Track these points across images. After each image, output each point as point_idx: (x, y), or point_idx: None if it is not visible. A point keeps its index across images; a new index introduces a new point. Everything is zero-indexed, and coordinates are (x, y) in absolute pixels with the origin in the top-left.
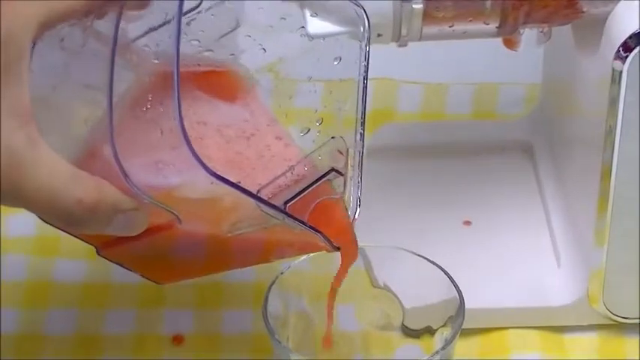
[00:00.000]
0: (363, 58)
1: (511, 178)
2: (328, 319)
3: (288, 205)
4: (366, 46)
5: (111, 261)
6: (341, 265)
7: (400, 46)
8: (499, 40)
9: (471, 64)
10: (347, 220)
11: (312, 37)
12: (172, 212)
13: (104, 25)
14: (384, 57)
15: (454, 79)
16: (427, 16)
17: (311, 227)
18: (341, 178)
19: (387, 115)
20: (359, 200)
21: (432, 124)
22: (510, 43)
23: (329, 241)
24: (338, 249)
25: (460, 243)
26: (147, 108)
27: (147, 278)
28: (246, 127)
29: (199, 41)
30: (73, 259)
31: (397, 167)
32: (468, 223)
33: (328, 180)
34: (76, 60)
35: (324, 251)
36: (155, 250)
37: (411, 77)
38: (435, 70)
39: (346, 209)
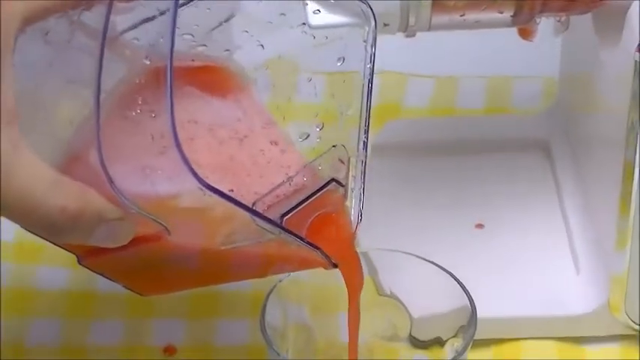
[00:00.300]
0: (368, 60)
1: (526, 178)
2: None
3: (284, 218)
4: (371, 47)
5: (92, 271)
6: (347, 289)
7: (408, 36)
8: (514, 30)
9: (484, 56)
10: (348, 235)
11: (312, 28)
12: (160, 223)
13: (92, 18)
14: (391, 48)
15: (465, 72)
16: (437, 4)
17: (309, 243)
18: (342, 189)
19: (393, 111)
20: (360, 214)
21: (442, 121)
22: (526, 34)
23: (327, 257)
24: (336, 266)
25: (472, 247)
26: (137, 111)
27: (130, 290)
28: (239, 127)
29: (193, 35)
30: (56, 266)
31: (404, 166)
32: (480, 226)
33: (330, 191)
34: (62, 55)
35: (323, 268)
36: (141, 261)
37: (420, 70)
38: (444, 62)
39: (348, 223)
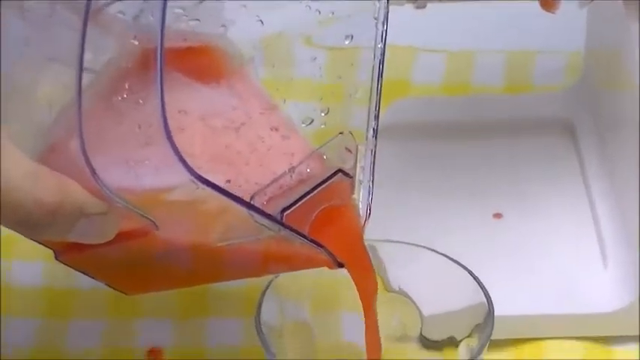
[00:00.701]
0: (379, 39)
1: (549, 162)
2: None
3: (285, 213)
4: (382, 25)
5: (71, 267)
6: (360, 295)
7: (418, 7)
8: (535, 1)
9: (502, 29)
10: (356, 232)
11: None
12: (148, 217)
13: None
14: (399, 21)
15: (482, 47)
16: None
17: (312, 241)
18: (350, 181)
19: (402, 88)
20: (369, 208)
21: (455, 99)
22: (548, 5)
23: (333, 257)
24: (342, 266)
25: (489, 239)
26: (123, 96)
27: (114, 288)
28: (235, 115)
29: (184, 10)
30: (31, 260)
31: (412, 150)
32: (498, 215)
33: (336, 182)
34: (41, 30)
35: (328, 267)
36: (126, 258)
37: (431, 44)
38: (458, 35)
39: (356, 218)
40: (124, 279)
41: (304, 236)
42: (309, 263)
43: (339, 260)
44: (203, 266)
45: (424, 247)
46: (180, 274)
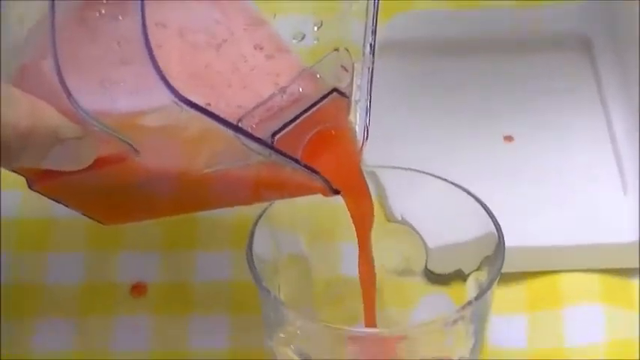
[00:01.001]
0: None
1: (564, 81)
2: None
3: (276, 137)
4: None
5: (46, 196)
6: (355, 225)
7: None
8: None
9: None
10: (352, 156)
11: None
12: (127, 142)
13: None
14: None
15: None
16: None
17: (305, 166)
18: (345, 101)
19: (404, 1)
20: (367, 130)
21: (463, 13)
22: None
23: (327, 183)
24: (337, 193)
25: (499, 164)
26: (100, 12)
27: (91, 218)
28: (217, 30)
29: None
30: (5, 190)
31: (416, 67)
32: (509, 138)
33: (330, 103)
34: None
35: (323, 194)
36: (104, 185)
37: None
38: None
39: (352, 141)
40: (102, 208)
41: (297, 161)
42: (303, 190)
43: (334, 187)
44: (187, 194)
45: (428, 173)
46: (163, 203)
